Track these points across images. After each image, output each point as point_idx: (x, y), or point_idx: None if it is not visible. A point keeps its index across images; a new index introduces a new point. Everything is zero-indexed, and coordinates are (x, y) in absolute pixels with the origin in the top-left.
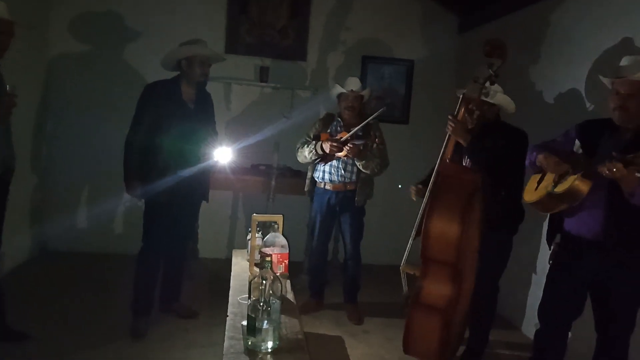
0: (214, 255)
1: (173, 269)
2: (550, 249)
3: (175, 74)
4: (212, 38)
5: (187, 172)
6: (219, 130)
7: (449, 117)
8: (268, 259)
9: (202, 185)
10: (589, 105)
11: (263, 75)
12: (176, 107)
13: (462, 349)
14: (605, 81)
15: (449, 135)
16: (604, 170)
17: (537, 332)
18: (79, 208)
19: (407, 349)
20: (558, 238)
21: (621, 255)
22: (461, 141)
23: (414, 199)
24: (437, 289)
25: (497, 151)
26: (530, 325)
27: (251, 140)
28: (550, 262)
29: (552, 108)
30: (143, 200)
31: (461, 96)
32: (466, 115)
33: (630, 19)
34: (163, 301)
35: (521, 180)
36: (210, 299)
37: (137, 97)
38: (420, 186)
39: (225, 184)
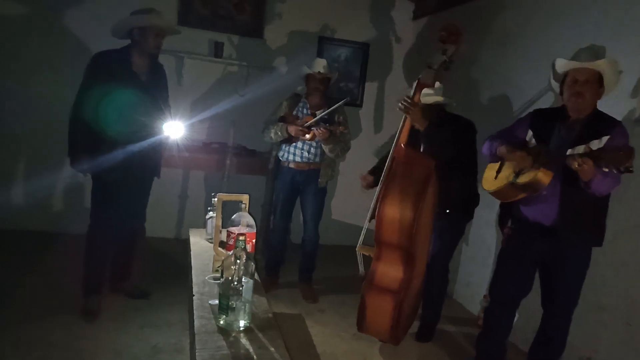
0: (162, 235)
1: (123, 247)
2: (503, 234)
3: (125, 43)
4: (163, 8)
5: (138, 146)
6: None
7: (406, 99)
8: (242, 238)
9: (153, 160)
10: (532, 97)
11: (217, 50)
12: (127, 78)
13: (416, 325)
14: (560, 69)
15: (405, 120)
16: (574, 164)
17: (487, 309)
18: (14, 183)
19: (360, 328)
20: (510, 223)
21: (572, 239)
22: (418, 126)
23: (364, 189)
24: (390, 272)
25: (451, 138)
26: (460, 293)
27: (203, 116)
28: (503, 244)
29: (499, 99)
30: (87, 176)
31: (416, 81)
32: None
33: (580, 19)
34: (113, 281)
35: (474, 167)
36: (161, 279)
37: (79, 65)
38: (370, 177)
39: (177, 162)
